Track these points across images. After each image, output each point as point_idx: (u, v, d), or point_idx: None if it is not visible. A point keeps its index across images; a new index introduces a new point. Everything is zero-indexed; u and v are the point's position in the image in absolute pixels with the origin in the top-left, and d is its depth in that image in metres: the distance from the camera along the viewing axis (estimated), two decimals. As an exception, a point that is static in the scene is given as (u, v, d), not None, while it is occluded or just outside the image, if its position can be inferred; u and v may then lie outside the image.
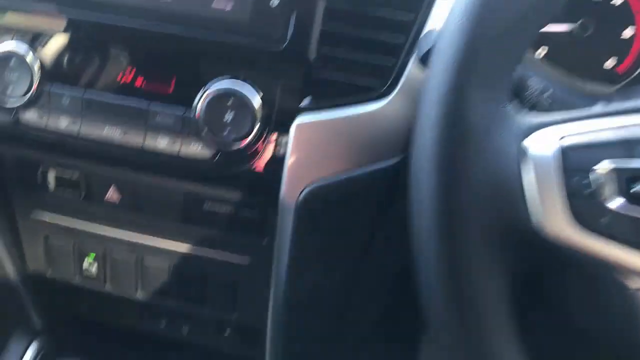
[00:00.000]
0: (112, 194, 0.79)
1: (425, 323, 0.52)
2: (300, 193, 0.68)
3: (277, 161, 0.69)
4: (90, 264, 0.86)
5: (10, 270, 0.89)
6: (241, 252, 0.79)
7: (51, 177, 0.80)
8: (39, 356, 0.97)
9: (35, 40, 0.73)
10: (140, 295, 0.87)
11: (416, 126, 0.49)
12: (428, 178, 0.47)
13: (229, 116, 0.67)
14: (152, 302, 0.87)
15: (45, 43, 0.73)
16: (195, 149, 0.70)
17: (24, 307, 0.94)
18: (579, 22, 0.74)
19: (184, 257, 0.81)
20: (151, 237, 0.81)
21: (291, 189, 0.68)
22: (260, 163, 0.70)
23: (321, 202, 0.68)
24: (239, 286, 0.82)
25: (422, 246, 0.49)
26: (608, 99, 0.50)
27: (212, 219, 0.77)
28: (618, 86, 0.76)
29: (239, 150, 0.69)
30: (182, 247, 0.81)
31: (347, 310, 0.84)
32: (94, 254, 0.86)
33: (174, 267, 0.83)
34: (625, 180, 0.44)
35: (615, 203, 0.44)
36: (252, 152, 0.69)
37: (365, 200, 0.69)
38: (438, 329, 0.50)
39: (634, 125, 0.46)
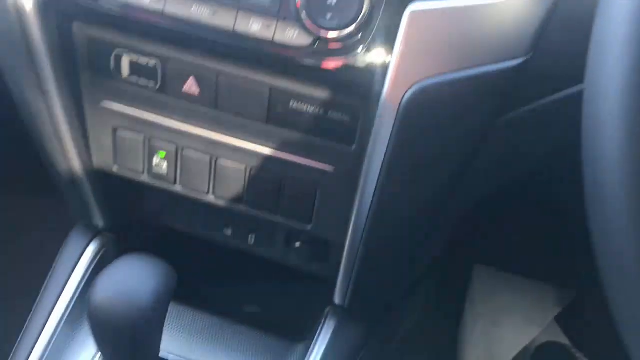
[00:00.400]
0: (190, 86, 0.73)
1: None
2: (406, 92, 0.61)
3: (382, 54, 0.61)
4: (160, 161, 0.81)
5: (75, 163, 0.84)
6: (326, 158, 0.73)
7: (125, 62, 0.74)
8: (100, 254, 0.93)
9: None
10: (210, 198, 0.82)
11: (594, 44, 0.41)
12: (616, 112, 0.39)
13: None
14: (222, 207, 0.81)
15: None
16: (291, 36, 0.63)
17: (87, 204, 0.90)
18: None
19: (263, 160, 0.75)
20: (229, 136, 0.75)
21: (396, 87, 0.61)
22: (364, 56, 0.62)
23: (429, 103, 0.61)
24: (318, 195, 0.76)
25: (605, 180, 0.41)
26: None
27: (297, 120, 0.71)
28: None
29: (340, 38, 0.61)
30: (261, 149, 0.75)
31: (427, 230, 0.78)
32: (165, 152, 0.80)
33: (250, 170, 0.77)
34: None
35: None
36: (355, 43, 0.62)
37: (479, 104, 0.62)
38: (622, 269, 0.43)
39: None
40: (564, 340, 1.52)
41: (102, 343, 0.66)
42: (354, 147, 0.70)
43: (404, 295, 1.01)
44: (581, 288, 1.48)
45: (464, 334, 1.55)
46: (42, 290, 0.90)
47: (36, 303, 0.91)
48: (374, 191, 0.69)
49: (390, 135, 0.64)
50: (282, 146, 0.74)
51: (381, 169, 0.67)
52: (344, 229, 0.77)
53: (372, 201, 0.70)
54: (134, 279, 0.63)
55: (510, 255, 1.50)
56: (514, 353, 1.50)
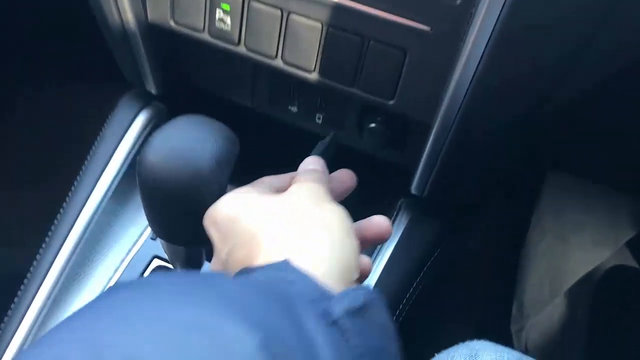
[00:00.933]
0: None
1: None
2: None
3: None
4: (223, 15, 0.70)
5: (128, 16, 0.74)
6: (421, 14, 0.60)
7: None
8: (151, 124, 0.84)
9: None
10: (278, 63, 0.70)
11: None
12: None
13: None
14: (291, 73, 0.70)
15: None
16: None
17: (140, 65, 0.80)
18: None
19: (342, 16, 0.63)
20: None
21: None
22: None
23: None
24: (407, 62, 0.64)
25: None
26: None
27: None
28: None
29: None
30: (342, 2, 0.63)
31: (528, 118, 0.66)
32: (229, 5, 0.69)
33: (327, 29, 0.65)
34: None
35: None
36: None
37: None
38: None
39: None
40: (634, 265, 1.41)
41: (153, 212, 0.57)
42: (459, 1, 0.57)
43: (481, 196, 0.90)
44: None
45: (528, 248, 1.46)
46: (87, 159, 0.82)
47: (81, 173, 0.83)
48: (479, 60, 0.57)
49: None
50: (368, -1, 0.61)
51: (493, 29, 0.54)
52: (434, 107, 0.65)
53: (474, 73, 0.58)
54: (191, 138, 0.53)
55: (590, 162, 1.36)
56: (581, 274, 1.40)
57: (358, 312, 0.35)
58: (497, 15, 0.54)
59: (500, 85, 0.60)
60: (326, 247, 0.42)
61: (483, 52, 0.57)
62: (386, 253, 0.75)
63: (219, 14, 0.70)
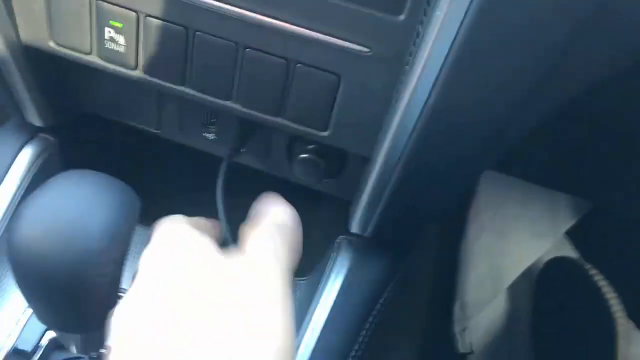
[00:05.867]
0: None
1: None
2: None
3: None
4: (115, 34, 0.56)
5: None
6: (358, 34, 0.49)
7: None
8: (38, 161, 0.70)
9: None
10: (185, 89, 0.58)
11: None
12: None
13: None
14: (201, 98, 0.58)
15: None
16: None
17: (16, 94, 0.66)
18: None
19: (263, 35, 0.52)
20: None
21: None
22: None
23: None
24: (342, 90, 0.53)
25: None
26: None
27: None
28: None
29: None
30: (261, 19, 0.51)
31: (488, 143, 0.56)
32: (121, 23, 0.56)
33: (244, 50, 0.53)
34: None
35: None
36: None
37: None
38: None
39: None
40: (574, 255, 1.39)
41: (31, 299, 0.45)
42: (402, 16, 0.47)
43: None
44: (599, 200, 1.33)
45: (466, 248, 1.41)
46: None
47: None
48: (433, 85, 0.46)
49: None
50: (293, 14, 0.50)
51: (450, 50, 0.44)
52: (374, 138, 0.54)
53: (426, 101, 0.48)
54: (76, 205, 0.41)
55: (523, 162, 1.32)
56: (521, 269, 1.37)
57: None
58: (455, 33, 0.43)
59: (459, 114, 0.50)
60: None
61: (437, 77, 0.46)
62: (327, 301, 0.65)
63: (108, 32, 0.56)
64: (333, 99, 0.54)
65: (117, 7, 0.54)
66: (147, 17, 0.54)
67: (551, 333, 1.31)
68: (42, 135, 0.71)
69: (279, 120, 0.57)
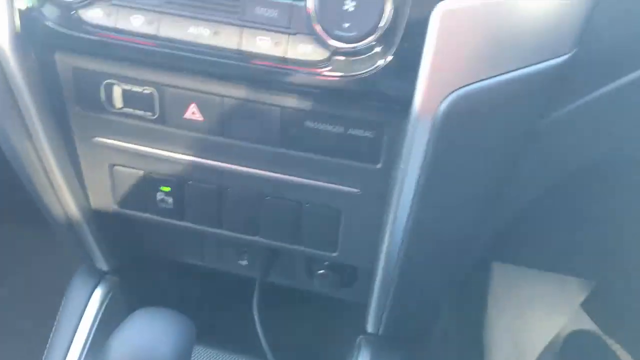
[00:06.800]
0: (192, 113, 0.65)
1: None
2: (442, 102, 0.54)
3: (411, 63, 0.54)
4: (165, 196, 0.73)
5: (71, 206, 0.77)
6: (349, 179, 0.66)
7: (118, 93, 0.66)
8: (107, 299, 0.86)
9: None
10: (222, 232, 0.74)
11: None
12: None
13: (350, 4, 0.52)
14: (235, 237, 0.74)
15: None
16: (305, 51, 0.56)
17: (88, 247, 0.82)
18: None
19: (278, 187, 0.68)
20: (238, 165, 0.68)
21: (430, 97, 0.54)
22: (388, 67, 0.55)
23: (467, 112, 0.54)
24: (343, 220, 0.69)
25: None
26: None
27: (314, 141, 0.63)
28: None
29: (361, 50, 0.54)
30: (275, 176, 0.68)
31: (468, 246, 0.71)
32: (169, 187, 0.73)
33: (264, 199, 0.70)
34: None
35: None
36: (377, 53, 0.55)
37: (524, 106, 0.55)
38: None
39: None
40: (592, 326, 1.47)
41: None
42: (379, 165, 0.63)
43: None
44: (602, 278, 1.44)
45: (488, 331, 1.50)
46: (47, 347, 0.83)
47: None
48: (409, 212, 0.62)
49: (426, 150, 0.57)
50: (299, 170, 0.66)
51: (416, 187, 0.60)
52: (374, 255, 0.70)
53: (407, 223, 0.63)
54: (151, 337, 0.57)
55: (525, 251, 1.44)
56: (544, 343, 1.44)
57: None
58: (418, 173, 0.59)
59: (433, 227, 0.65)
60: None
61: (412, 204, 0.62)
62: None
63: (160, 195, 0.74)
64: (337, 228, 0.70)
65: (166, 176, 0.71)
66: (190, 182, 0.71)
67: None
68: (108, 277, 0.87)
69: (296, 247, 0.73)
